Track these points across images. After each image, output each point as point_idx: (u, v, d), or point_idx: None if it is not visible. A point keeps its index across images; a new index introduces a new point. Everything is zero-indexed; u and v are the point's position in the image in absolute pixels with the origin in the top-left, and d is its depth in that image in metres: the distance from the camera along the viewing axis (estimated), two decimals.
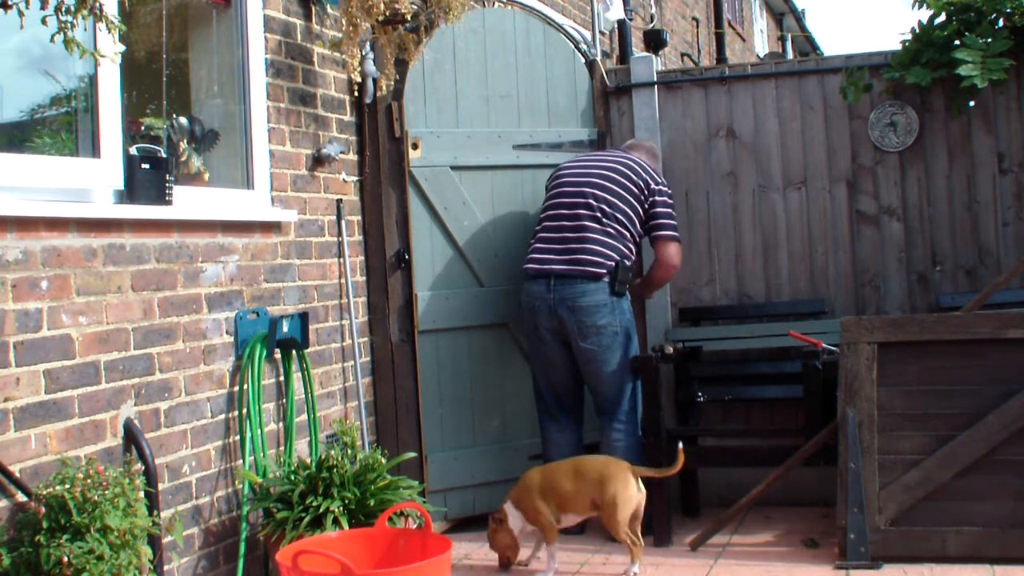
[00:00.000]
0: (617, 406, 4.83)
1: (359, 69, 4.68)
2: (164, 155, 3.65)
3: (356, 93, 4.91)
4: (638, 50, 8.93)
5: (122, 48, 3.02)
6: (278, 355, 4.25)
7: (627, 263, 4.79)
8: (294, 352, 4.31)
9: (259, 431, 4.01)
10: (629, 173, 4.88)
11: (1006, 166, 5.14)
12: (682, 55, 11.44)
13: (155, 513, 3.40)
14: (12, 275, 3.07)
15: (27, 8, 2.62)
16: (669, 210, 4.92)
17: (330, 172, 4.73)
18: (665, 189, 4.93)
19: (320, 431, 4.42)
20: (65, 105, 3.62)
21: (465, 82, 5.16)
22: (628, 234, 4.83)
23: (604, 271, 4.74)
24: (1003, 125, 5.14)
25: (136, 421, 3.49)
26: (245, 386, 4.01)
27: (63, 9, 2.63)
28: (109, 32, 2.80)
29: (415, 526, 3.98)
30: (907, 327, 4.34)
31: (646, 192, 4.87)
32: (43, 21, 2.62)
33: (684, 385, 5.29)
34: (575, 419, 5.00)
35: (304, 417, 4.37)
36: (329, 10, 4.75)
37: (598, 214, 4.80)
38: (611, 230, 4.80)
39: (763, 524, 4.97)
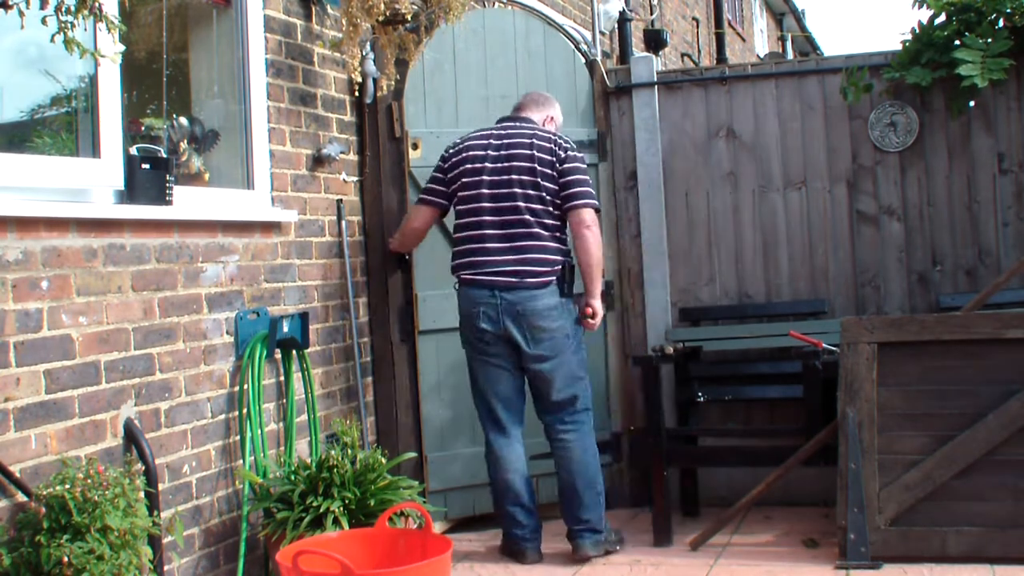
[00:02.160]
0: (566, 408, 4.54)
1: (359, 69, 4.68)
2: (164, 155, 3.65)
3: (356, 93, 4.91)
4: (638, 50, 8.93)
5: (122, 48, 3.02)
6: (278, 355, 4.25)
7: (572, 262, 4.50)
8: (294, 352, 4.31)
9: (259, 431, 4.01)
10: (549, 147, 4.48)
11: (1006, 166, 5.14)
12: (682, 55, 11.44)
13: (155, 513, 3.40)
14: (12, 275, 3.07)
15: (27, 8, 2.62)
16: (583, 176, 4.49)
17: (330, 172, 4.73)
18: (578, 155, 4.53)
19: (320, 431, 4.42)
20: (65, 105, 3.62)
21: (465, 82, 5.16)
22: (559, 223, 4.50)
23: (546, 279, 4.45)
24: (1003, 125, 5.14)
25: (136, 421, 3.49)
26: (245, 386, 4.01)
27: (63, 9, 2.63)
28: (109, 32, 2.80)
29: (415, 526, 3.98)
30: (907, 327, 4.34)
31: (561, 161, 4.47)
32: (43, 21, 2.62)
33: (684, 385, 5.29)
34: (519, 429, 4.67)
35: (304, 417, 4.37)
36: (329, 10, 4.75)
37: (529, 216, 4.48)
38: (537, 230, 4.47)
39: (763, 524, 4.97)
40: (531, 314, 4.43)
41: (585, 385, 4.60)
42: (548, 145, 4.50)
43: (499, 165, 4.50)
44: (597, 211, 4.54)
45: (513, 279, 4.44)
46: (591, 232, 4.44)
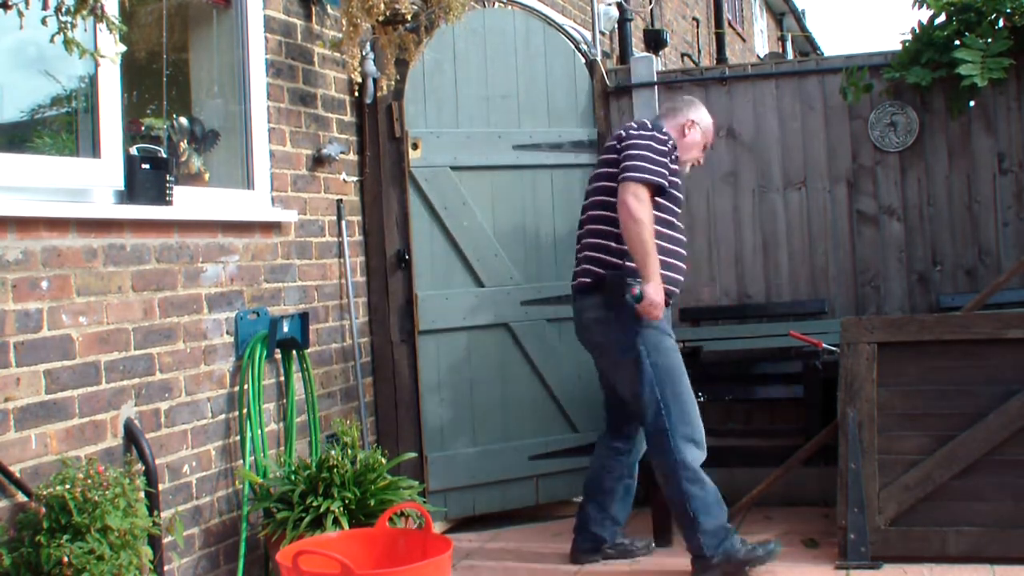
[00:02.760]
0: (644, 424, 4.30)
1: (359, 69, 4.68)
2: (164, 155, 3.65)
3: (356, 93, 4.91)
4: (638, 50, 8.93)
5: (122, 48, 3.02)
6: (278, 355, 4.25)
7: (616, 267, 4.18)
8: (294, 352, 4.31)
9: (259, 431, 4.01)
10: (613, 141, 4.30)
11: (1006, 166, 5.14)
12: (682, 55, 11.44)
13: (155, 513, 3.40)
14: (12, 275, 3.07)
15: (27, 8, 2.62)
16: (635, 151, 4.13)
17: (330, 172, 4.73)
18: (645, 133, 4.19)
19: (320, 431, 4.42)
20: (65, 105, 3.62)
21: (465, 82, 5.16)
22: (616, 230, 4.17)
23: (590, 280, 4.28)
24: (1003, 125, 5.14)
25: (136, 421, 3.49)
26: (245, 386, 4.01)
27: (63, 9, 2.63)
28: (109, 32, 2.80)
29: (415, 526, 3.98)
30: (907, 327, 4.34)
31: (619, 148, 4.22)
32: (43, 22, 2.62)
33: None
34: (616, 435, 4.48)
35: (304, 417, 4.37)
36: (329, 10, 4.75)
37: (592, 212, 4.34)
38: (605, 228, 4.26)
39: (763, 524, 4.97)
40: (581, 325, 4.39)
41: (651, 408, 4.18)
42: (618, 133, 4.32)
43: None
44: (648, 185, 4.09)
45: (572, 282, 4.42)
46: (623, 209, 4.07)
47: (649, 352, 4.17)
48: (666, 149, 4.19)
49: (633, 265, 4.11)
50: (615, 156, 4.22)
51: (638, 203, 4.03)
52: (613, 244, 4.21)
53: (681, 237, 4.34)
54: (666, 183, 4.14)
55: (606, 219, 4.24)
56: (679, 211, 4.33)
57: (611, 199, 4.19)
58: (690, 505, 4.15)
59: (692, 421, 4.20)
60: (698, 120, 4.44)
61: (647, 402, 4.18)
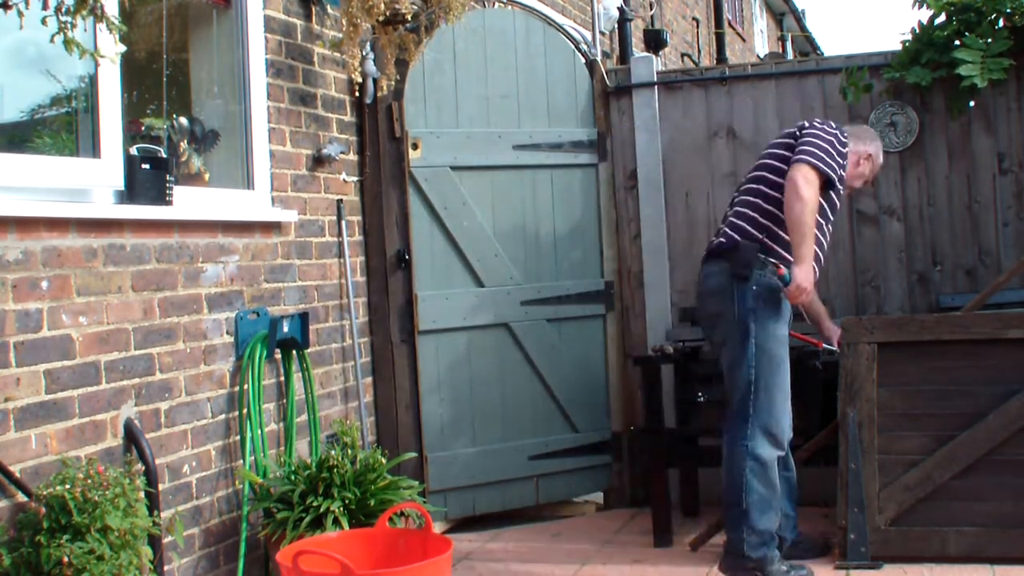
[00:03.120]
0: (730, 403, 4.21)
1: (359, 69, 4.68)
2: (164, 155, 3.65)
3: (356, 93, 4.91)
4: (638, 50, 8.93)
5: (122, 48, 3.02)
6: (278, 355, 4.25)
7: (753, 240, 4.11)
8: (294, 352, 4.31)
9: (259, 431, 4.01)
10: (793, 129, 4.26)
11: (1006, 166, 5.14)
12: (682, 55, 11.44)
13: (155, 513, 3.40)
14: (12, 275, 3.07)
15: (27, 8, 2.62)
16: (817, 140, 4.09)
17: (330, 172, 4.73)
18: (831, 130, 4.16)
19: (320, 431, 4.42)
20: (65, 105, 3.62)
21: (465, 82, 5.16)
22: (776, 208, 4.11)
23: (725, 242, 4.18)
24: (1003, 125, 5.14)
25: (136, 421, 3.49)
26: (245, 386, 4.01)
27: (63, 9, 2.63)
28: (109, 32, 2.80)
29: (415, 526, 3.98)
30: (907, 327, 4.34)
31: (797, 136, 4.19)
32: (43, 21, 2.62)
33: (684, 385, 5.28)
34: (726, 424, 4.21)
35: (304, 417, 4.37)
36: (329, 10, 4.76)
37: (749, 185, 4.27)
38: (756, 201, 4.19)
39: None
40: (702, 292, 4.32)
41: (741, 388, 4.10)
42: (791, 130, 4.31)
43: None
44: (820, 173, 4.03)
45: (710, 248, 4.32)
46: (791, 186, 4.00)
47: (758, 333, 4.07)
48: (844, 151, 4.19)
49: (771, 244, 4.10)
50: (791, 141, 4.19)
51: (807, 184, 3.99)
52: (759, 217, 4.16)
53: (825, 241, 4.27)
54: (836, 178, 4.09)
55: (760, 193, 4.19)
56: (832, 218, 4.28)
57: (771, 176, 4.17)
58: (747, 498, 4.04)
59: (777, 415, 4.11)
60: (875, 155, 4.44)
61: (739, 382, 4.09)
